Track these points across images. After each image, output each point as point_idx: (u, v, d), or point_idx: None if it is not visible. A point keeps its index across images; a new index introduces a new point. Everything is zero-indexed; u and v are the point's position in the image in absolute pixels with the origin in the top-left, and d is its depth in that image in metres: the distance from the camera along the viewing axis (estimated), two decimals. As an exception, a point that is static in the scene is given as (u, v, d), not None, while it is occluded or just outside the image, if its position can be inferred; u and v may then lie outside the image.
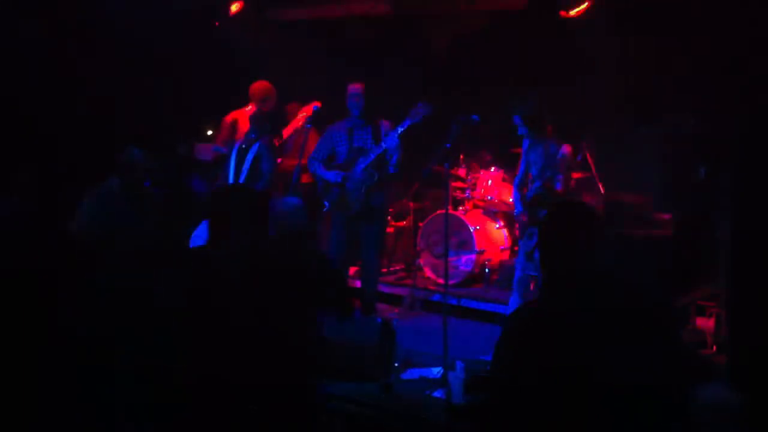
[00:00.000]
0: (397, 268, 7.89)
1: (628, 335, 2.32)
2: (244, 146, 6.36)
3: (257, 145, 6.28)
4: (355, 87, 6.14)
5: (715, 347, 5.48)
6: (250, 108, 6.83)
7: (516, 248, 6.79)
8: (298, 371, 3.32)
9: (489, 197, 7.29)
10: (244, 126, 6.70)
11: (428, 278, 7.37)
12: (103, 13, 6.73)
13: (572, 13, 6.99)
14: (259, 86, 6.93)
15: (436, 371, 5.15)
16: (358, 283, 7.06)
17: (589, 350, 2.30)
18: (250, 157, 6.26)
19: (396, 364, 5.19)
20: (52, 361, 2.76)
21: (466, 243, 7.15)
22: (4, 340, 2.81)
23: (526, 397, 2.33)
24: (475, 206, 7.50)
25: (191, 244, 5.68)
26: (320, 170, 6.30)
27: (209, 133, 8.04)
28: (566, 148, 5.49)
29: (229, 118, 6.91)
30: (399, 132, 5.98)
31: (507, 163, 7.24)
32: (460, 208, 7.54)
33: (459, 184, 7.58)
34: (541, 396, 2.31)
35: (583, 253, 2.50)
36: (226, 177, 6.36)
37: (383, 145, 6.03)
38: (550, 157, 5.47)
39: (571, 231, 2.54)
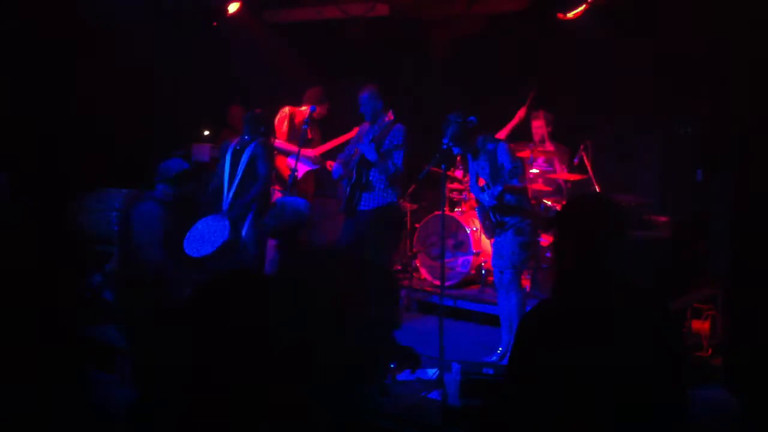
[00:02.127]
0: (394, 269, 7.87)
1: (638, 336, 2.28)
2: (238, 147, 6.24)
3: (252, 146, 6.17)
4: (360, 94, 6.18)
5: (710, 350, 5.48)
6: (304, 108, 6.92)
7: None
8: (294, 372, 3.31)
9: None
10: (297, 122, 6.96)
11: (424, 279, 7.36)
12: (100, 13, 6.72)
13: (569, 15, 6.99)
14: (316, 90, 7.05)
15: (432, 373, 5.14)
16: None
17: (599, 350, 2.25)
18: (245, 158, 6.16)
19: (392, 365, 5.17)
20: (52, 361, 2.75)
21: (462, 244, 7.15)
22: (2, 341, 2.81)
23: (537, 396, 2.27)
24: (472, 207, 7.49)
25: (185, 245, 5.62)
26: (334, 167, 6.36)
27: (206, 133, 8.03)
28: (502, 144, 5.48)
29: (286, 111, 7.00)
30: (369, 138, 5.99)
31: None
32: (457, 209, 7.54)
33: (456, 185, 7.57)
34: (551, 395, 2.25)
35: (599, 252, 2.40)
36: (221, 178, 6.27)
37: (360, 148, 6.05)
38: (493, 157, 5.46)
39: (587, 227, 2.44)
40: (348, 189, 6.10)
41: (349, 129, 6.84)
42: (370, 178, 6.08)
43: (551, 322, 2.38)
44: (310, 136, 6.94)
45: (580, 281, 2.41)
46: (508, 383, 2.52)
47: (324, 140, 7.19)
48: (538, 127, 7.15)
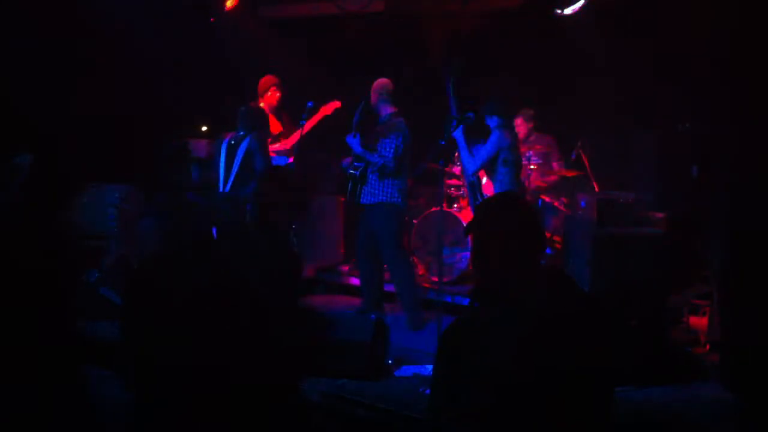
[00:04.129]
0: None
1: (572, 335, 2.24)
2: (233, 142, 6.15)
3: (247, 140, 6.06)
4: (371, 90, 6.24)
5: (708, 346, 5.50)
6: (261, 105, 6.81)
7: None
8: (291, 369, 3.31)
9: (484, 194, 7.27)
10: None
11: (423, 276, 7.36)
12: (99, 12, 6.70)
13: (567, 12, 6.98)
14: (262, 81, 6.89)
15: (430, 368, 5.15)
16: (353, 280, 7.06)
17: (536, 350, 2.20)
18: (240, 153, 6.08)
19: (389, 362, 5.18)
20: (49, 359, 2.75)
21: (460, 240, 7.15)
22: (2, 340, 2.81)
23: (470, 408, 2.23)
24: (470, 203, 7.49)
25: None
26: (344, 159, 6.43)
27: (204, 128, 8.02)
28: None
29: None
30: (352, 133, 6.08)
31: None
32: (455, 205, 7.53)
33: (454, 181, 7.56)
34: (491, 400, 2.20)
35: (525, 249, 2.33)
36: (216, 174, 6.22)
37: (347, 140, 6.12)
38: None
39: (509, 226, 2.35)
40: (350, 183, 6.18)
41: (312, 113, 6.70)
42: (367, 171, 6.15)
43: (482, 329, 2.29)
44: (282, 128, 6.90)
45: (513, 281, 2.33)
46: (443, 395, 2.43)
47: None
48: (518, 125, 7.13)
